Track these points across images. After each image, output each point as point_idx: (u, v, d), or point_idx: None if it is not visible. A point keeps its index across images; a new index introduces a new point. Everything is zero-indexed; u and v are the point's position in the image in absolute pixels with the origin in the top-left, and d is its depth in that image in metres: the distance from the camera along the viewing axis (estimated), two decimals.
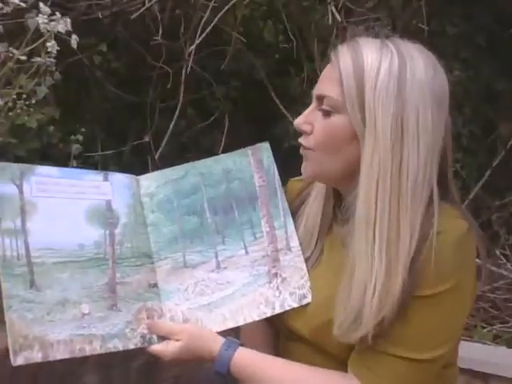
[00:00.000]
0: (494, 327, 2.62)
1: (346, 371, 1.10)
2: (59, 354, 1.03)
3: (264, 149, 1.25)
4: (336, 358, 1.11)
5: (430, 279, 1.02)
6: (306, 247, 1.19)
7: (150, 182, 1.23)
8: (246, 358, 1.10)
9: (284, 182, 1.28)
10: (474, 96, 3.25)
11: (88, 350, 1.05)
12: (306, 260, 1.18)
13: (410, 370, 1.04)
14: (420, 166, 1.02)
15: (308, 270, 1.17)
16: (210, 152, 3.75)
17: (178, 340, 1.10)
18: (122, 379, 2.11)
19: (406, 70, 1.02)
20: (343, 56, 1.05)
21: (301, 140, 1.11)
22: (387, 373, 1.05)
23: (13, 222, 1.06)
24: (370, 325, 1.02)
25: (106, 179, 1.19)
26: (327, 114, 1.06)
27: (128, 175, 1.23)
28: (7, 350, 1.89)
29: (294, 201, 1.25)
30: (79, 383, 2.02)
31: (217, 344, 1.10)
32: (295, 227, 1.22)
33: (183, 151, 3.72)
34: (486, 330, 2.58)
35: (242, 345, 1.11)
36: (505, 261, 2.93)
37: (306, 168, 1.12)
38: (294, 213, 1.23)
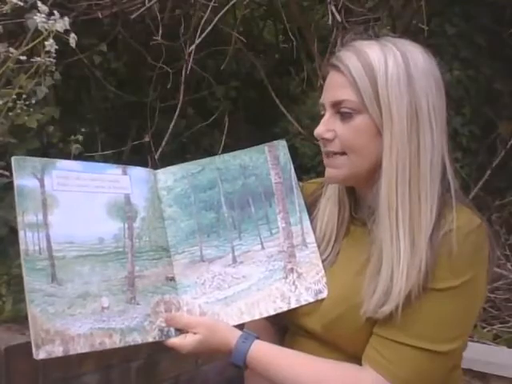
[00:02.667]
0: (494, 327, 2.62)
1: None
2: (80, 347, 1.03)
3: (280, 146, 1.27)
4: (346, 352, 1.13)
5: (446, 272, 1.05)
6: (323, 250, 1.21)
7: (168, 175, 1.25)
8: (263, 351, 1.11)
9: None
10: (474, 96, 3.25)
11: (108, 344, 1.06)
12: (323, 261, 1.20)
13: (426, 361, 1.06)
14: (434, 148, 1.09)
15: (325, 270, 1.19)
16: (210, 152, 3.77)
17: (195, 333, 1.12)
18: (122, 379, 2.11)
19: (409, 60, 1.09)
20: (349, 60, 1.10)
21: (326, 148, 1.13)
22: (405, 363, 1.06)
23: (35, 216, 1.08)
24: (399, 299, 1.05)
25: (124, 173, 1.21)
26: (348, 116, 1.10)
27: (146, 169, 1.25)
28: (6, 350, 1.89)
29: (307, 202, 1.27)
30: (79, 383, 2.02)
31: (234, 337, 1.11)
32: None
33: (183, 151, 3.73)
34: (485, 330, 2.58)
35: (258, 338, 1.12)
36: (505, 261, 2.92)
37: (333, 174, 1.14)
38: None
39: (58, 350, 1.02)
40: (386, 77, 1.07)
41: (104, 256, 1.11)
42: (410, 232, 1.06)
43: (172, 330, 1.13)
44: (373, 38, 1.13)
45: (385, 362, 1.07)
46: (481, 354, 2.17)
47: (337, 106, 1.11)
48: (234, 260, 1.20)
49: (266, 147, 1.27)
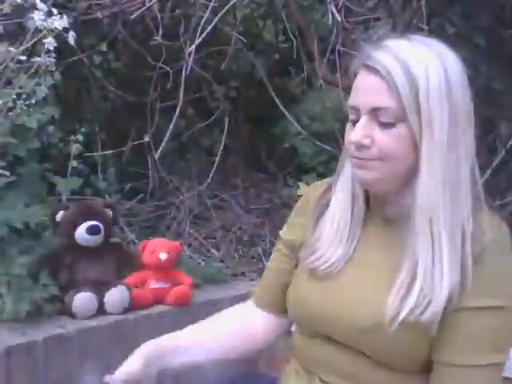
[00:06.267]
0: None
1: (380, 373, 1.11)
2: None
3: None
4: (370, 358, 1.12)
5: (497, 292, 1.07)
6: (337, 245, 1.18)
7: None
8: None
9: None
10: (474, 96, 3.24)
11: None
12: (336, 261, 1.17)
13: (498, 374, 1.09)
14: (471, 158, 1.09)
15: (339, 269, 1.17)
16: (210, 152, 3.77)
17: None
18: None
19: (447, 69, 1.07)
20: (390, 64, 1.05)
21: (359, 154, 1.09)
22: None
23: None
24: (441, 306, 1.05)
25: None
26: (389, 125, 1.06)
27: None
28: (6, 350, 1.89)
29: (319, 202, 1.26)
30: (79, 383, 2.02)
31: None
32: (318, 229, 1.22)
33: (183, 151, 3.73)
34: None
35: None
36: None
37: (367, 177, 1.11)
38: (320, 216, 1.23)
39: None
40: (428, 88, 1.04)
41: None
42: (451, 244, 1.05)
43: None
44: (404, 38, 1.10)
45: None
46: None
47: (376, 112, 1.07)
48: None
49: None
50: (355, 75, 1.12)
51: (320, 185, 1.32)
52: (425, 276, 1.05)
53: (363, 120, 1.08)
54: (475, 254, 1.05)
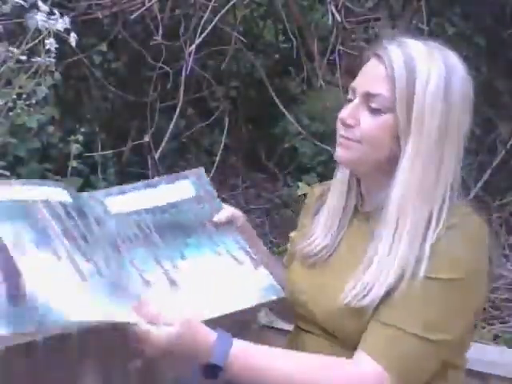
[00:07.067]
0: (494, 327, 2.62)
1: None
2: None
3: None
4: (346, 345, 1.13)
5: (443, 264, 1.07)
6: (328, 231, 1.22)
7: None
8: (245, 349, 1.06)
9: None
10: (474, 96, 3.24)
11: None
12: (322, 248, 1.22)
13: (417, 347, 1.07)
14: (456, 163, 1.13)
15: (324, 259, 1.21)
16: (210, 152, 3.77)
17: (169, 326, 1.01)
18: (122, 379, 2.11)
19: (451, 76, 1.10)
20: (395, 55, 1.09)
21: (344, 132, 1.14)
22: (393, 345, 1.08)
23: None
24: (377, 297, 1.08)
25: None
26: (377, 112, 1.10)
27: None
28: (6, 350, 1.89)
29: (317, 202, 1.30)
30: (79, 383, 2.02)
31: (211, 334, 1.04)
32: (314, 222, 1.26)
33: (183, 151, 3.73)
34: (485, 330, 2.57)
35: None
36: (505, 261, 2.92)
37: (343, 155, 1.15)
38: (316, 213, 1.28)
39: None
40: (426, 86, 1.07)
41: None
42: (411, 238, 1.08)
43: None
44: (420, 40, 1.14)
45: (371, 343, 1.08)
46: (481, 354, 2.16)
47: (369, 97, 1.11)
48: None
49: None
50: (366, 62, 1.16)
51: (323, 184, 1.36)
52: (378, 264, 1.09)
53: (356, 101, 1.13)
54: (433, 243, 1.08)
